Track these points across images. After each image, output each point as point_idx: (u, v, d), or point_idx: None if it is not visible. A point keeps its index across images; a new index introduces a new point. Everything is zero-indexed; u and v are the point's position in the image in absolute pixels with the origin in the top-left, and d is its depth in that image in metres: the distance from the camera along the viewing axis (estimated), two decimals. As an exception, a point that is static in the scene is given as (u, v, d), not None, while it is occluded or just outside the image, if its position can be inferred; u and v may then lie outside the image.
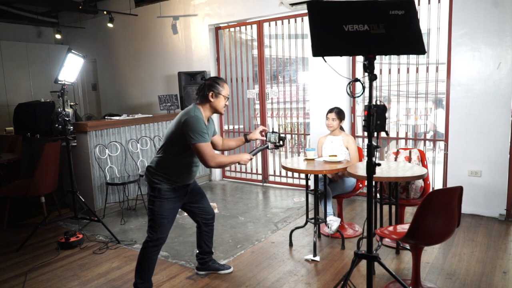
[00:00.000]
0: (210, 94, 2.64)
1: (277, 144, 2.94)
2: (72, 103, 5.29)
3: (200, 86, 2.71)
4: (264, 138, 2.99)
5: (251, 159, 2.77)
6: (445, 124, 4.35)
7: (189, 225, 4.19)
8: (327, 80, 4.94)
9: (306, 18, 5.08)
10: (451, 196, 2.40)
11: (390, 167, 3.28)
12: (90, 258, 3.50)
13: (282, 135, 2.95)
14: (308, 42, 4.40)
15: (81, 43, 7.92)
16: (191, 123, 2.51)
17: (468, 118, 4.13)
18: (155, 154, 2.74)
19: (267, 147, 2.97)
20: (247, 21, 5.70)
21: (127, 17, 6.87)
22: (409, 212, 4.26)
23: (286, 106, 5.82)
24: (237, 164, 2.91)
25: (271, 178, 5.94)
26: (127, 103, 7.42)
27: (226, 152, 5.26)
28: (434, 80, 4.42)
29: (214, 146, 2.93)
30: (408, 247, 3.09)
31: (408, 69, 4.57)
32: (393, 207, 3.35)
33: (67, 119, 3.88)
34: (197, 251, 3.10)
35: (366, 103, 2.03)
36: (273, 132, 2.97)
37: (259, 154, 6.10)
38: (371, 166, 2.07)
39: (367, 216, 2.19)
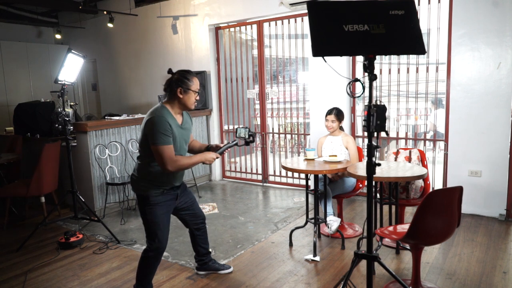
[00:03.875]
0: (179, 90, 2.48)
1: (248, 140, 2.79)
2: (72, 103, 5.29)
3: (167, 81, 2.53)
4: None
5: (217, 157, 2.63)
6: (445, 124, 4.35)
7: (189, 225, 4.19)
8: (327, 80, 4.94)
9: (306, 18, 5.08)
10: (451, 196, 2.40)
11: (390, 167, 3.28)
12: (90, 258, 3.50)
13: (252, 131, 2.81)
14: (308, 42, 4.40)
15: (81, 43, 7.91)
16: (152, 123, 2.38)
17: (468, 118, 4.13)
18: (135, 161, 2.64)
19: (236, 144, 2.78)
20: (247, 21, 5.70)
21: (127, 17, 6.87)
22: (409, 212, 4.26)
23: (286, 106, 5.82)
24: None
25: (271, 178, 5.94)
26: (127, 103, 7.42)
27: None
28: (434, 80, 4.42)
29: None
30: (408, 247, 3.09)
31: (408, 69, 4.57)
32: (393, 207, 3.35)
33: (67, 119, 3.88)
34: (195, 254, 3.09)
35: (366, 103, 2.03)
36: (243, 127, 2.84)
37: (259, 154, 6.10)
38: (371, 166, 2.07)
39: (367, 216, 2.19)
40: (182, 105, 2.53)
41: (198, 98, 2.58)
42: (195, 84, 2.53)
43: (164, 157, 2.37)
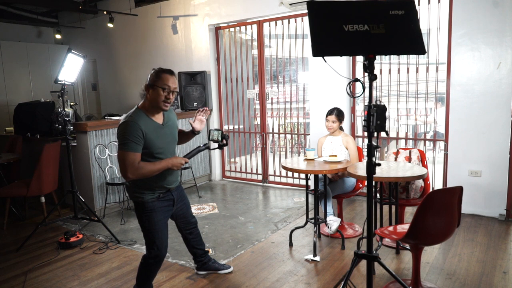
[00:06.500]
0: (146, 88, 2.35)
1: (220, 143, 2.63)
2: (72, 103, 5.29)
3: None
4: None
5: (186, 162, 2.47)
6: (445, 124, 4.35)
7: (189, 225, 4.19)
8: (327, 80, 4.94)
9: (306, 18, 5.08)
10: (451, 196, 2.40)
11: (390, 167, 3.28)
12: (90, 258, 3.50)
13: (226, 134, 2.65)
14: (308, 42, 4.40)
15: (81, 43, 7.92)
16: (120, 128, 2.31)
17: (468, 118, 4.13)
18: None
19: (208, 147, 2.63)
20: (247, 21, 5.70)
21: (127, 17, 6.87)
22: (409, 212, 4.26)
23: (286, 106, 5.82)
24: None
25: (271, 178, 5.94)
26: (127, 103, 7.42)
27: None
28: (434, 80, 4.42)
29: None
30: (408, 247, 3.09)
31: (408, 69, 4.57)
32: (393, 207, 3.35)
33: (67, 119, 3.89)
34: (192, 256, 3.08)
35: (366, 103, 2.03)
36: (216, 129, 2.66)
37: (259, 154, 6.10)
38: (371, 166, 2.07)
39: (367, 216, 2.19)
40: (152, 104, 2.36)
41: (169, 96, 2.34)
42: (162, 79, 2.31)
43: (126, 163, 2.26)
